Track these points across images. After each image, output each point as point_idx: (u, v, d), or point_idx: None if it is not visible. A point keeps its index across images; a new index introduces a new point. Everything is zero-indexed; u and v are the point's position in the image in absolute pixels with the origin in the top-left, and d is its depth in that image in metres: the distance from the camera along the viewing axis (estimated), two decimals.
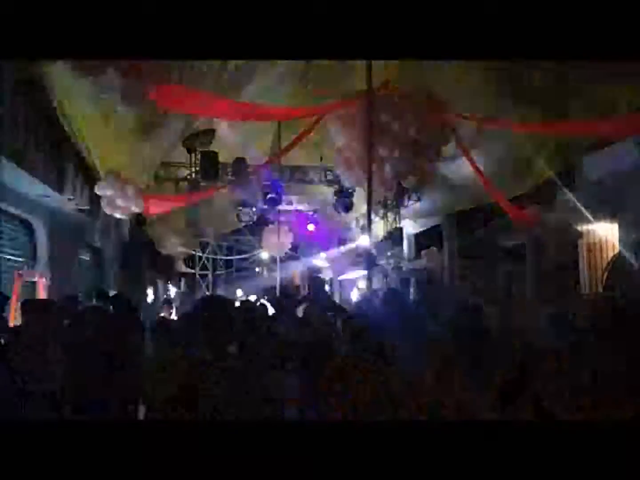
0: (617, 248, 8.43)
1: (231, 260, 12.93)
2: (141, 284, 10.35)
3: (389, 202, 10.32)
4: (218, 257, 12.19)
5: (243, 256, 12.72)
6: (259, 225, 11.99)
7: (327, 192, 9.98)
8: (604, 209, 8.28)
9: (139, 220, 9.87)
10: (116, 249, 10.18)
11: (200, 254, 10.48)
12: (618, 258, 8.41)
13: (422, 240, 12.07)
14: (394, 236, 11.00)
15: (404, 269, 11.40)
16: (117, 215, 7.93)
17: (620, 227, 8.31)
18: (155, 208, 8.24)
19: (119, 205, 7.54)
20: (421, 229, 12.10)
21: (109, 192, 7.19)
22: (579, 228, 8.95)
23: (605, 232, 8.74)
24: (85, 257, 10.46)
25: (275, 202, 9.20)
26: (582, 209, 8.24)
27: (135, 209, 7.73)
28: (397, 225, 10.86)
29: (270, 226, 11.53)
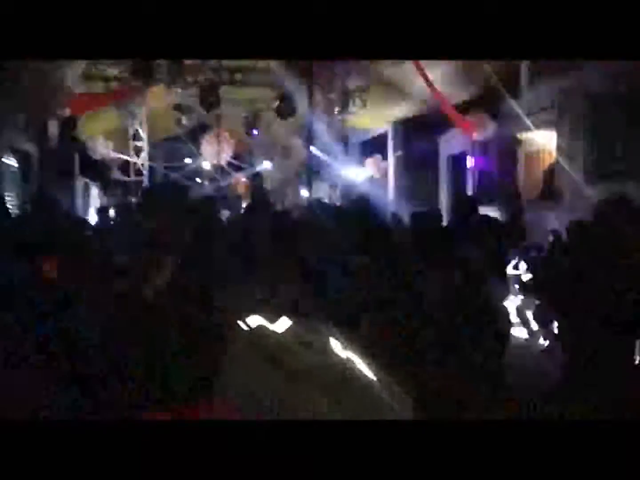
0: (554, 156, 8.60)
1: (169, 168, 12.45)
2: (73, 190, 9.87)
3: (333, 107, 10.04)
4: (155, 164, 11.71)
5: (181, 164, 12.27)
6: (199, 131, 11.51)
7: (269, 96, 9.58)
8: (544, 117, 8.35)
9: (68, 121, 9.25)
10: (45, 153, 9.57)
11: (135, 161, 10.02)
12: (554, 167, 8.61)
13: (368, 149, 11.94)
14: (339, 143, 10.82)
15: (348, 177, 11.33)
16: (42, 114, 7.37)
17: (558, 135, 8.44)
18: (83, 107, 7.69)
19: (42, 101, 6.98)
20: (367, 137, 11.96)
21: (27, 86, 6.61)
22: (518, 136, 9.04)
23: (545, 141, 8.86)
24: (11, 160, 9.83)
25: (212, 104, 8.76)
26: (524, 116, 8.27)
27: (60, 108, 7.19)
28: (342, 133, 10.67)
29: (210, 132, 11.09)
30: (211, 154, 11.22)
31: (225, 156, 11.52)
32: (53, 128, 9.85)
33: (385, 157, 11.44)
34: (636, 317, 2.41)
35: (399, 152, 11.03)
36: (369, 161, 11.54)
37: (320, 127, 10.29)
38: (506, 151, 9.33)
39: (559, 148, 8.40)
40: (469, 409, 1.88)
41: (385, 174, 11.32)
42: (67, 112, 8.10)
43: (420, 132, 10.28)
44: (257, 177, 13.26)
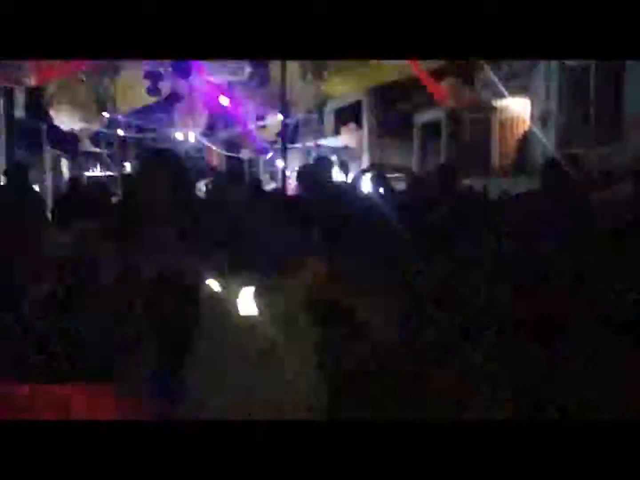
0: (528, 124, 8.65)
1: (142, 139, 12.21)
2: (41, 162, 9.63)
3: (308, 74, 9.89)
4: (127, 135, 11.48)
5: (153, 135, 12.04)
6: (171, 100, 11.24)
7: (243, 62, 9.38)
8: (518, 84, 8.37)
9: (36, 91, 8.98)
10: (11, 123, 9.31)
11: (106, 131, 9.82)
12: (528, 134, 8.67)
13: (343, 116, 11.87)
14: (314, 112, 10.71)
15: (323, 146, 11.27)
16: (7, 84, 7.13)
17: (532, 102, 8.48)
18: (49, 74, 7.44)
19: (5, 71, 6.74)
20: (342, 105, 11.86)
21: None
22: (493, 103, 9.06)
23: (519, 108, 8.89)
24: None
25: (184, 71, 8.54)
26: (498, 83, 8.27)
27: (25, 76, 6.96)
28: (316, 101, 10.54)
29: (183, 102, 10.83)
30: (185, 124, 11.00)
31: (199, 126, 11.31)
32: (20, 98, 9.56)
33: (360, 125, 11.39)
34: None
35: (374, 120, 10.99)
36: (344, 129, 11.47)
37: (294, 95, 10.15)
38: (480, 118, 9.35)
39: (532, 115, 8.46)
40: (469, 409, 1.90)
41: (360, 142, 11.28)
42: (35, 81, 7.82)
43: (394, 100, 10.23)
44: (232, 148, 13.11)
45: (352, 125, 11.27)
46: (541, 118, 8.29)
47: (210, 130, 12.44)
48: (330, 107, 12.05)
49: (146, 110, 11.57)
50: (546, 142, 8.09)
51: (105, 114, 9.99)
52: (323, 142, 11.26)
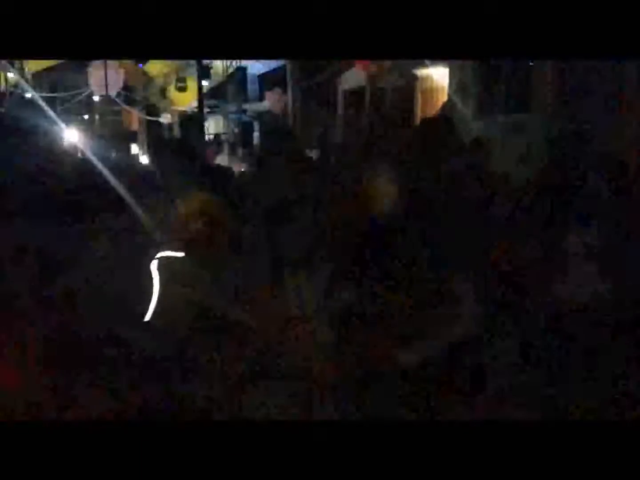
0: (446, 93, 8.84)
1: (54, 99, 11.47)
2: None
3: None
4: (38, 94, 10.73)
5: (68, 93, 11.32)
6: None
7: None
8: None
9: None
10: None
11: (13, 91, 9.14)
12: (447, 103, 8.87)
13: (267, 82, 11.66)
14: (237, 77, 10.46)
15: (247, 112, 11.06)
16: None
17: (450, 71, 8.66)
18: None
19: None
20: (266, 70, 11.63)
21: None
22: (415, 72, 9.18)
23: (440, 77, 9.06)
24: None
25: None
26: None
27: None
28: (240, 65, 10.30)
29: (97, 62, 10.27)
30: (100, 85, 10.46)
31: (115, 88, 10.78)
32: None
33: (285, 91, 11.25)
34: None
35: (298, 86, 10.88)
36: (269, 95, 11.29)
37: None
38: (402, 86, 9.47)
39: (451, 84, 8.65)
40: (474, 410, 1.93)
41: (285, 108, 11.17)
42: None
43: (317, 65, 10.15)
44: (153, 109, 12.62)
45: (277, 90, 11.11)
46: (460, 87, 8.50)
47: (127, 91, 11.89)
48: (254, 72, 11.81)
49: (58, 70, 10.88)
50: (465, 111, 8.33)
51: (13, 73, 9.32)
52: (247, 107, 11.04)
